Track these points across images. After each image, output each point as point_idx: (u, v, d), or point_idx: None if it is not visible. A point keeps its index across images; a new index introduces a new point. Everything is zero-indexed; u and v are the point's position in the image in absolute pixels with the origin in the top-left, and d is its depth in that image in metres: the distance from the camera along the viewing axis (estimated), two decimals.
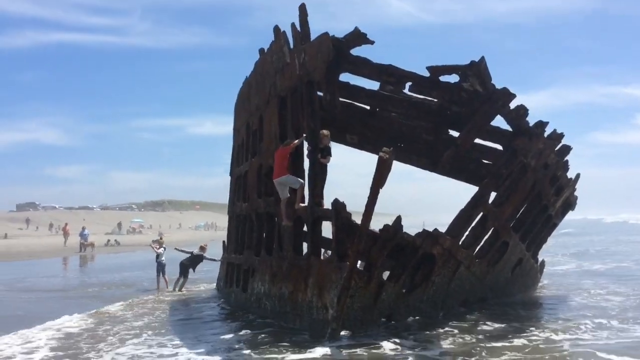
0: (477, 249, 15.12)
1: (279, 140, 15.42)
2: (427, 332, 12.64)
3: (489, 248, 15.41)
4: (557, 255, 33.86)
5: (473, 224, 14.62)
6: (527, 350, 10.97)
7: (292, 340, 12.08)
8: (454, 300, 15.24)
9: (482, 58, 11.94)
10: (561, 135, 15.19)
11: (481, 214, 14.34)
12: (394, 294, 13.28)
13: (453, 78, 12.57)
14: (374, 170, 10.96)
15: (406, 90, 13.21)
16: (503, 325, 13.34)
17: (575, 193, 18.31)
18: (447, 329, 13.01)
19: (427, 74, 12.72)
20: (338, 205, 12.72)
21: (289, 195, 14.01)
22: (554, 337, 12.03)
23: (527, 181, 14.71)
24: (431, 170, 18.90)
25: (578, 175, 17.52)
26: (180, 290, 21.96)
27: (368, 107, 16.78)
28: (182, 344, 12.42)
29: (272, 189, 15.89)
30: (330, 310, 12.43)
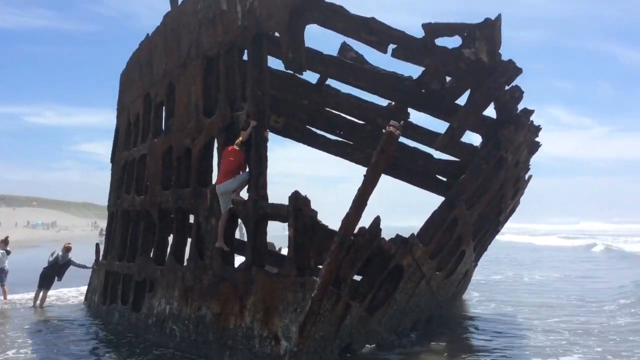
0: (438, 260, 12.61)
1: (203, 114, 11.80)
2: None
3: (448, 258, 12.98)
4: None
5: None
6: None
7: None
8: (409, 320, 12.64)
9: (499, 16, 9.43)
10: (539, 129, 13.23)
11: (452, 217, 11.83)
12: (357, 317, 10.31)
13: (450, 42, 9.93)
14: (377, 150, 7.92)
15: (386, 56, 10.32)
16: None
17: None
18: None
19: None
20: (299, 199, 9.48)
21: (231, 206, 10.54)
22: None
23: (498, 180, 12.51)
24: (366, 166, 16.14)
25: (530, 178, 15.82)
26: (41, 306, 17.09)
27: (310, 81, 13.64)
28: None
29: (187, 178, 12.28)
30: (284, 342, 9.17)
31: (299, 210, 9.45)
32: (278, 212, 9.90)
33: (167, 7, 13.50)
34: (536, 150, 14.09)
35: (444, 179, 16.06)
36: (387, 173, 16.48)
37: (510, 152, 12.03)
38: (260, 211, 10.15)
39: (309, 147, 16.35)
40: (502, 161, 12.07)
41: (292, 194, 9.58)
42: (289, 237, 9.57)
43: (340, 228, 8.60)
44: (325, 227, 9.52)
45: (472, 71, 9.95)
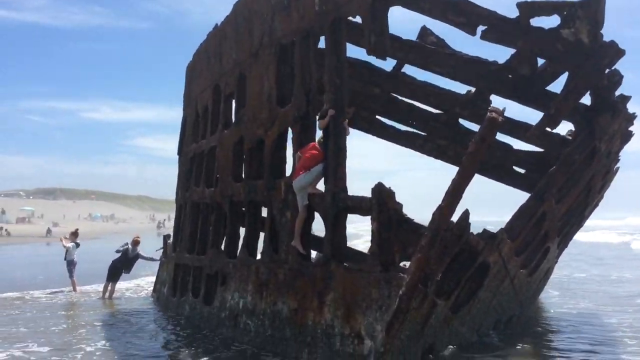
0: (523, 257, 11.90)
1: (277, 104, 11.45)
2: None
3: (532, 255, 12.24)
4: None
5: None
6: None
7: None
8: (491, 320, 12.01)
9: None
10: (634, 117, 12.31)
11: (541, 211, 11.10)
12: (442, 317, 9.77)
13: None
14: (476, 138, 7.32)
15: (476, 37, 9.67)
16: None
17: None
18: None
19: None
20: (383, 192, 8.98)
21: (307, 202, 10.15)
22: None
23: (589, 172, 11.68)
24: (437, 157, 15.53)
25: (617, 170, 14.83)
26: (110, 297, 17.28)
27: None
28: None
29: (259, 170, 11.97)
30: (368, 341, 8.72)
31: (383, 202, 8.96)
32: (360, 205, 9.44)
33: (219, 5, 13.18)
34: (629, 139, 13.10)
35: (521, 171, 15.29)
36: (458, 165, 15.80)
37: (604, 141, 11.18)
38: (340, 204, 9.72)
39: (356, 140, 15.86)
40: (595, 151, 11.24)
41: (376, 185, 9.10)
42: (372, 231, 9.11)
43: (431, 222, 8.07)
44: (411, 221, 9.01)
45: (570, 53, 9.20)
